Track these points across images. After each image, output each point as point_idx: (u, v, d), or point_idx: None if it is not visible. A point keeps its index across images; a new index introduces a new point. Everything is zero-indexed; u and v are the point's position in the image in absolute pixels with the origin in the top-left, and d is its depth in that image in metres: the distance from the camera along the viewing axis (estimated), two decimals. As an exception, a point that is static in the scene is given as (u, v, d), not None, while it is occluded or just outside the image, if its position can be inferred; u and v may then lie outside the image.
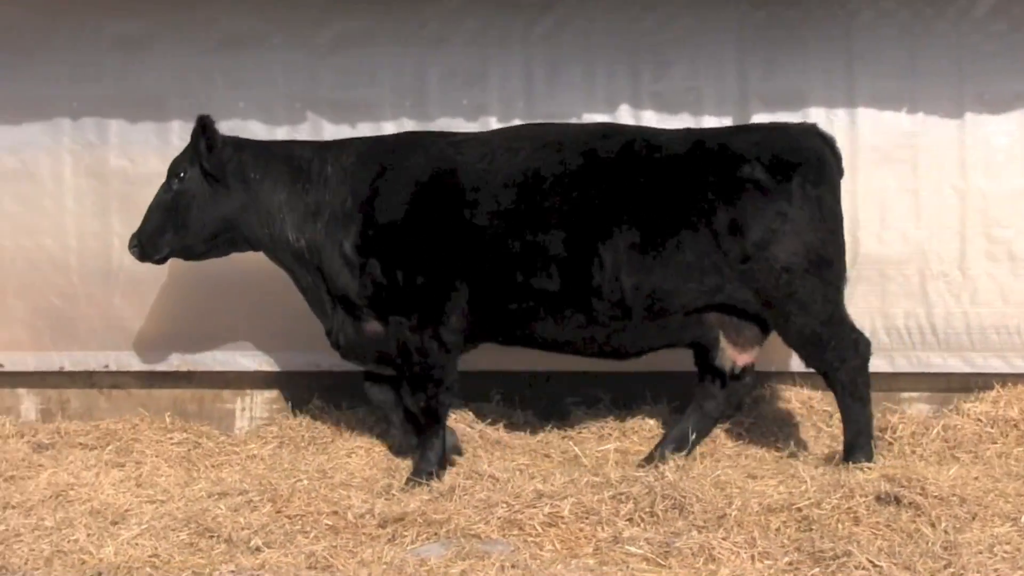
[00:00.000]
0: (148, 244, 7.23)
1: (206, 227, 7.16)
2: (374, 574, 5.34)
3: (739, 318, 6.93)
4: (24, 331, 8.27)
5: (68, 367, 8.32)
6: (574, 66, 8.03)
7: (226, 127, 7.39)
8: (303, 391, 8.19)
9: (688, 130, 7.25)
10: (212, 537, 5.80)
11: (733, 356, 7.05)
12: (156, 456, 7.40)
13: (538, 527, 5.72)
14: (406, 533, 5.80)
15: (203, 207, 7.14)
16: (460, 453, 7.28)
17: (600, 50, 8.01)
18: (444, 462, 6.97)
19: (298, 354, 8.11)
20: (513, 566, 5.35)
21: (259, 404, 8.26)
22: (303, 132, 8.00)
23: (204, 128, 7.06)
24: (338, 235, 7.00)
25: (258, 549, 5.63)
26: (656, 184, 6.81)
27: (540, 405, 7.99)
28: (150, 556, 5.53)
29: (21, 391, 8.39)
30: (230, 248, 7.31)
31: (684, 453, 7.03)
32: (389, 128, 7.91)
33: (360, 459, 7.29)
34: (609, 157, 6.89)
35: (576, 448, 7.34)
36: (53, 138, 7.98)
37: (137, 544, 5.66)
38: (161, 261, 7.33)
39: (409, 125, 7.92)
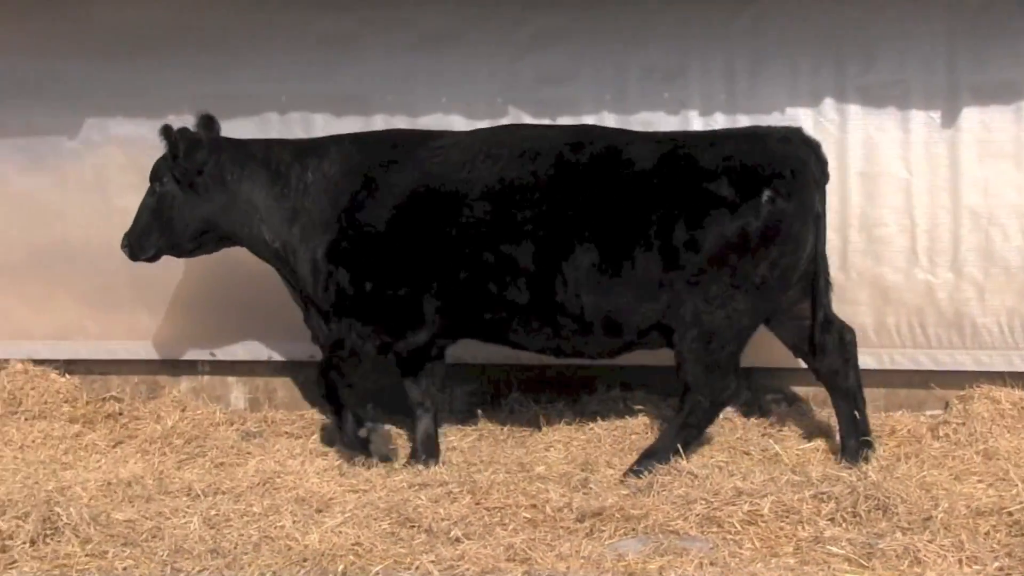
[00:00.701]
0: (136, 244, 7.47)
1: (189, 227, 7.37)
2: (572, 568, 5.34)
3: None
4: (235, 322, 8.49)
5: (276, 357, 8.51)
6: (777, 60, 7.88)
7: (428, 122, 7.49)
8: (503, 384, 8.23)
9: (664, 138, 7.00)
10: (413, 527, 5.87)
11: None
12: (359, 445, 7.53)
13: (737, 525, 5.66)
14: (604, 528, 5.79)
15: (183, 209, 7.35)
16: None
17: (803, 43, 7.83)
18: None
19: (498, 347, 8.14)
20: (712, 563, 5.29)
21: (459, 396, 8.33)
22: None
23: (167, 137, 7.26)
24: (312, 241, 7.12)
25: (458, 540, 5.68)
26: (620, 200, 6.72)
27: (739, 401, 7.87)
28: (353, 544, 5.61)
29: (231, 380, 8.63)
30: (219, 244, 7.52)
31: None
32: (589, 123, 7.90)
33: (558, 453, 7.31)
34: (577, 170, 6.84)
35: (776, 446, 7.22)
36: (263, 133, 8.17)
37: (340, 532, 5.75)
38: (152, 259, 7.53)
39: (610, 120, 7.88)
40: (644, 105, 7.98)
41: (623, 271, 6.69)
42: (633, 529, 5.74)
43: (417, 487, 6.44)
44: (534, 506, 6.06)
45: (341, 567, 5.40)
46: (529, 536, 5.69)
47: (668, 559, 5.33)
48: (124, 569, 5.51)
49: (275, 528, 5.85)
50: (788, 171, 6.68)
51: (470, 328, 7.10)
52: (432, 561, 5.41)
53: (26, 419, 7.99)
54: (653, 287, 6.68)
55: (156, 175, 7.43)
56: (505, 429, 7.84)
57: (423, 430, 7.36)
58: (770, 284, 6.68)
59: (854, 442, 6.90)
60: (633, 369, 7.89)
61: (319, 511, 6.17)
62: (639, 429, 7.58)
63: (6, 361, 8.37)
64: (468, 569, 5.35)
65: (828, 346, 6.92)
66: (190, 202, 7.33)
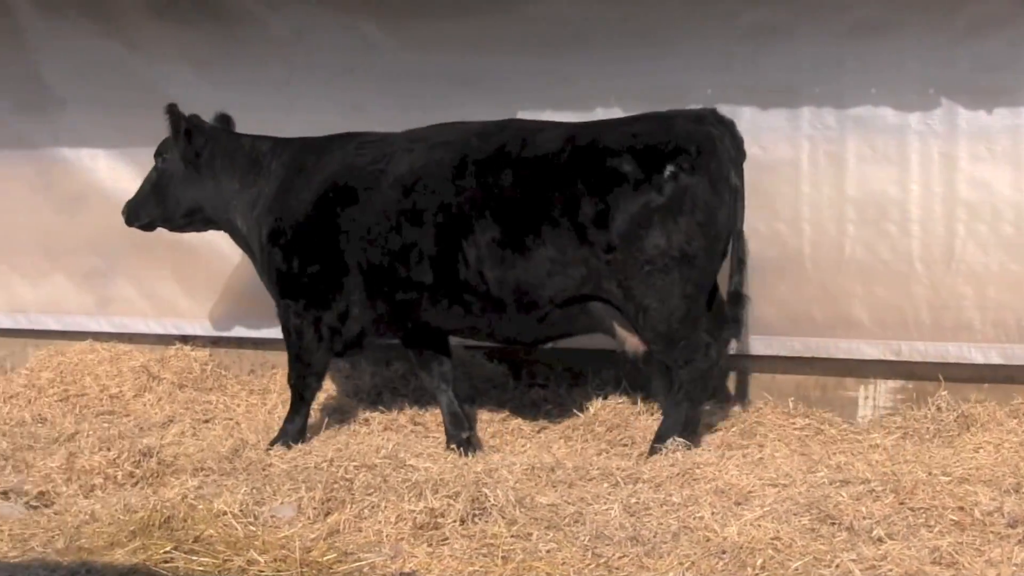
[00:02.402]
0: (132, 212, 8.21)
1: (180, 205, 8.06)
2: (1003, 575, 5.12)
3: (615, 307, 7.04)
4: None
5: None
6: None
7: (857, 113, 7.32)
8: (928, 382, 7.96)
9: (576, 125, 7.25)
10: (833, 524, 5.76)
11: (634, 343, 7.15)
12: (777, 440, 7.46)
13: None
14: (1038, 534, 5.51)
15: (178, 187, 8.03)
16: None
17: None
18: (302, 437, 7.66)
19: (923, 344, 7.89)
20: None
21: (883, 393, 8.11)
22: (935, 118, 7.73)
23: (173, 117, 7.86)
24: (261, 223, 7.74)
25: (880, 540, 5.54)
26: (522, 181, 7.03)
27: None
28: (772, 539, 5.57)
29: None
30: (206, 226, 8.21)
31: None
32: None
33: (988, 455, 6.96)
34: (479, 157, 7.19)
35: None
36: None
37: (759, 526, 5.72)
38: (145, 228, 8.26)
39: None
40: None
41: (528, 247, 7.01)
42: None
43: (838, 484, 6.29)
44: (961, 509, 5.82)
45: (760, 561, 5.37)
46: (956, 540, 5.49)
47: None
48: (547, 552, 5.65)
49: (694, 519, 5.88)
50: (693, 147, 6.88)
51: (395, 311, 7.51)
52: (853, 560, 5.30)
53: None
54: (563, 262, 6.97)
55: (160, 151, 8.11)
56: (931, 429, 7.57)
57: (447, 408, 7.73)
58: (691, 254, 6.86)
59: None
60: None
61: (738, 504, 6.13)
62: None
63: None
64: (891, 570, 5.22)
65: (730, 321, 7.15)
66: (185, 182, 8.00)
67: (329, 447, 7.30)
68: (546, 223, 6.99)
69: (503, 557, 5.63)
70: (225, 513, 6.12)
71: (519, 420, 8.09)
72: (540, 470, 6.78)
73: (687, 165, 6.87)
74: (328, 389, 8.56)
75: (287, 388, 7.99)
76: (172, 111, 7.89)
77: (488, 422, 8.04)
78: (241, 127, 8.27)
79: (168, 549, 5.76)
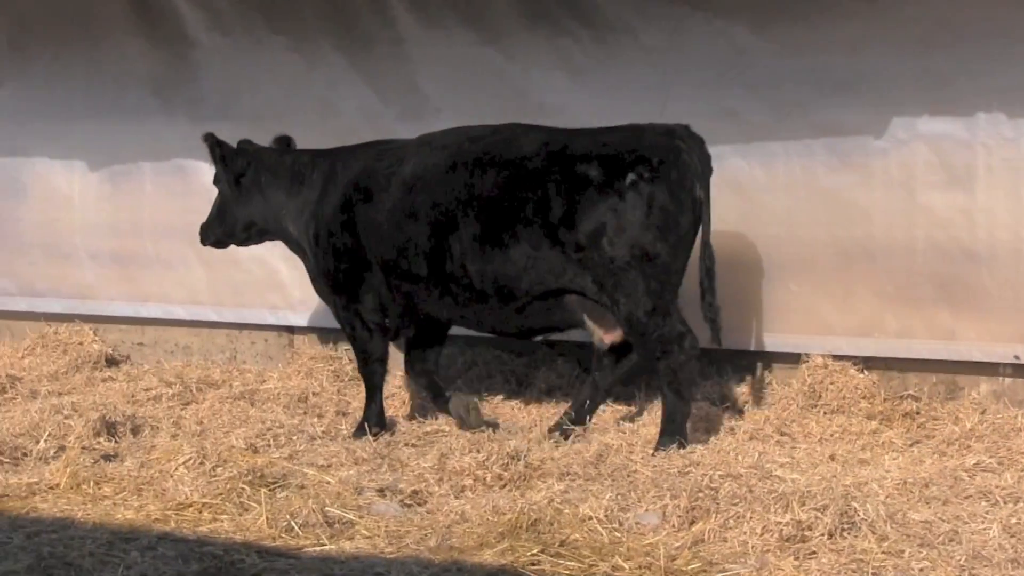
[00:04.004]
0: (202, 233, 9.05)
1: (237, 222, 8.86)
2: None
3: (594, 302, 7.60)
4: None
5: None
6: None
7: None
8: None
9: (557, 130, 7.84)
10: None
11: (600, 335, 7.82)
12: None
13: None
14: None
15: (232, 207, 8.83)
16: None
17: None
18: (381, 420, 8.37)
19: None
20: None
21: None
22: None
23: (209, 145, 8.72)
24: (308, 229, 8.48)
25: None
26: (501, 182, 7.67)
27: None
28: None
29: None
30: (263, 237, 8.96)
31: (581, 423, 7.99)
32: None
33: None
34: (466, 160, 7.84)
35: None
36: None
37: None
38: (216, 246, 9.10)
39: None
40: None
41: (505, 243, 7.63)
42: None
43: None
44: None
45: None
46: None
47: None
48: (920, 570, 5.47)
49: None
50: (656, 158, 7.43)
51: (407, 301, 8.19)
52: None
53: (825, 413, 8.09)
54: (536, 259, 7.59)
55: (215, 178, 8.91)
56: None
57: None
58: (652, 254, 7.41)
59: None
60: None
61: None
62: None
63: (807, 355, 8.48)
64: None
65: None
66: (237, 201, 8.77)
67: (692, 455, 7.26)
68: (520, 221, 7.61)
69: (873, 574, 5.48)
70: (590, 518, 6.18)
71: (890, 433, 7.82)
72: (912, 485, 6.59)
73: (647, 174, 7.42)
74: (693, 396, 8.37)
75: (650, 395, 8.08)
76: (208, 140, 8.73)
77: (857, 434, 7.81)
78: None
79: (535, 552, 5.85)
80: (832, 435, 7.82)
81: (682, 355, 7.45)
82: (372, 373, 8.46)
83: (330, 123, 9.59)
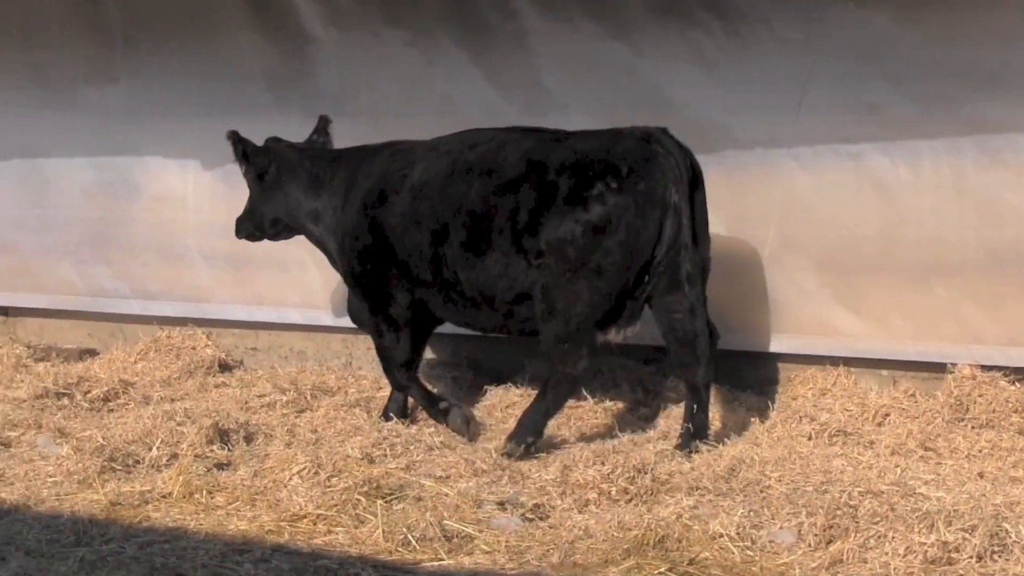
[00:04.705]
0: (237, 226, 9.21)
1: (264, 218, 9.05)
2: None
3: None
4: None
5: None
6: None
7: None
8: None
9: (541, 136, 7.96)
10: None
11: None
12: None
13: None
14: None
15: (258, 203, 9.04)
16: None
17: None
18: (405, 409, 8.72)
19: None
20: None
21: None
22: None
23: (233, 143, 8.85)
24: (334, 232, 8.63)
25: None
26: (484, 190, 7.84)
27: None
28: None
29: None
30: (289, 233, 9.10)
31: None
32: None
33: None
34: (460, 167, 8.00)
35: None
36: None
37: None
38: (250, 239, 9.26)
39: None
40: None
41: (483, 251, 7.81)
42: None
43: None
44: None
45: None
46: None
47: None
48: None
49: None
50: (626, 167, 7.48)
51: (419, 305, 8.36)
52: None
53: (972, 427, 7.76)
54: (507, 265, 7.74)
55: (243, 175, 9.08)
56: None
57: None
58: (606, 269, 7.49)
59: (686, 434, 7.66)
60: None
61: None
62: None
63: (953, 365, 8.15)
64: None
65: (691, 336, 7.62)
66: (261, 197, 8.98)
67: (828, 471, 7.04)
68: (496, 230, 7.77)
69: (1025, 601, 5.26)
70: (721, 535, 6.09)
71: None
72: (1075, 507, 6.26)
73: (615, 185, 7.46)
74: (830, 408, 8.29)
75: (786, 405, 8.05)
76: (232, 138, 8.89)
77: (1008, 451, 7.47)
78: (748, 129, 8.43)
79: (662, 570, 5.79)
80: (980, 451, 7.52)
81: (575, 372, 7.66)
82: (398, 377, 8.61)
83: (449, 119, 9.35)
